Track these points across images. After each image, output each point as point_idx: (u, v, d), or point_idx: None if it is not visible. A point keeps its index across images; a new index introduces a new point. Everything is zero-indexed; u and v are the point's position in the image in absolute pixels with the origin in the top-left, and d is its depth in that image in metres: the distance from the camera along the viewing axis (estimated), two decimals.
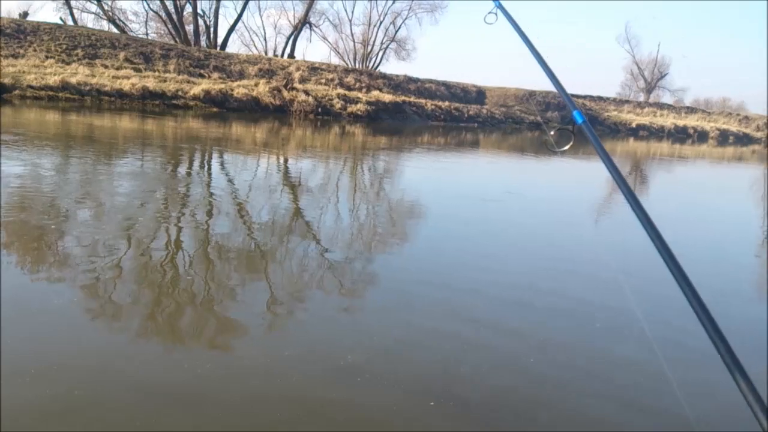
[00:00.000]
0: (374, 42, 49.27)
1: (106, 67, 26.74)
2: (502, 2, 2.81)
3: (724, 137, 49.98)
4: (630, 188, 1.60)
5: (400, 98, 35.45)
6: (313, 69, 35.64)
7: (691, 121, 52.14)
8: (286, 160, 14.50)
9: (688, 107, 60.05)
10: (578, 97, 48.83)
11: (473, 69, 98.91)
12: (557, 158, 18.07)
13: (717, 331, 1.21)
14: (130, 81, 25.21)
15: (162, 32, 42.86)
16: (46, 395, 3.14)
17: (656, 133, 47.01)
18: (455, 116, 37.33)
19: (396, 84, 38.66)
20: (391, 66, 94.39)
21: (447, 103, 38.25)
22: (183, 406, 3.21)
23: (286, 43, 45.75)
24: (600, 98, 52.80)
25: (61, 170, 9.74)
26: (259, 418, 3.15)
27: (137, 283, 4.93)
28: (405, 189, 11.63)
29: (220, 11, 43.08)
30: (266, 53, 45.80)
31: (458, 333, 4.54)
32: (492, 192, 12.08)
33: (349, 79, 35.59)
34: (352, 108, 31.18)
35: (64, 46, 27.45)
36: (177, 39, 39.19)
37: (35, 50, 26.32)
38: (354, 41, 49.99)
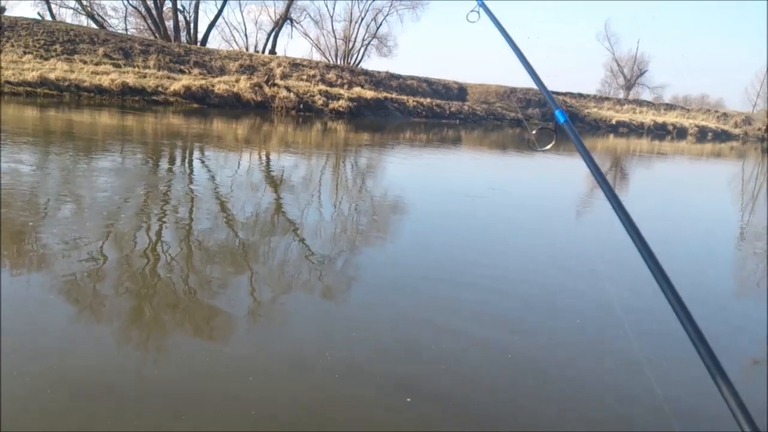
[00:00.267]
0: (356, 38, 49.20)
1: (85, 62, 26.47)
2: (484, 1, 2.83)
3: (702, 134, 50.52)
4: (610, 187, 1.62)
5: (382, 95, 35.45)
6: (295, 65, 35.52)
7: (671, 118, 52.66)
8: (268, 157, 14.45)
9: (667, 104, 60.61)
10: (559, 94, 49.08)
11: (455, 66, 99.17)
12: (539, 155, 18.18)
13: (700, 336, 1.19)
14: (109, 77, 24.98)
15: (141, 28, 42.43)
16: (36, 391, 3.12)
17: (636, 130, 47.42)
18: (437, 113, 37.40)
19: (378, 80, 38.65)
20: (373, 62, 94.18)
21: (429, 100, 38.30)
22: (164, 404, 3.21)
23: (267, 39, 45.53)
24: (581, 95, 53.16)
25: (42, 166, 9.64)
26: (238, 416, 3.16)
27: (119, 281, 4.90)
28: (389, 185, 11.65)
29: (201, 7, 42.75)
30: (247, 49, 45.52)
31: (448, 328, 4.57)
32: (476, 188, 12.14)
33: (331, 76, 35.53)
34: (333, 104, 31.14)
35: (42, 42, 27.13)
36: (157, 34, 38.84)
37: (13, 46, 26.00)
38: (335, 37, 49.88)
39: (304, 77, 33.98)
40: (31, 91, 22.12)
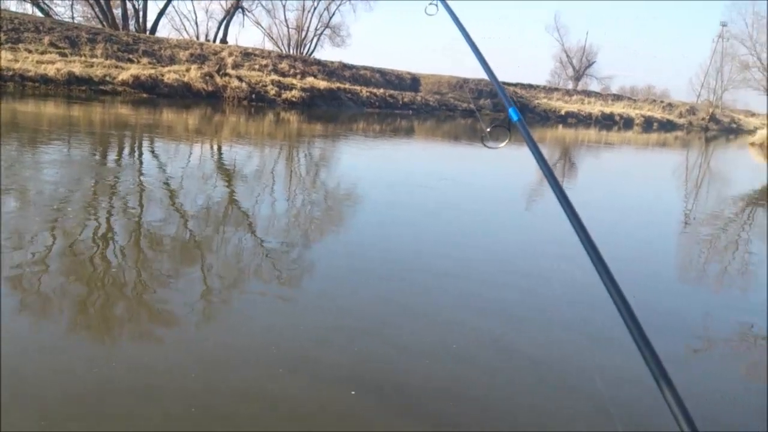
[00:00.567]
0: (308, 28, 48.79)
1: (29, 51, 25.68)
2: None
3: (648, 124, 51.87)
4: (560, 186, 1.60)
5: (335, 85, 35.38)
6: (247, 55, 35.13)
7: (618, 109, 53.88)
8: (220, 148, 14.34)
9: (614, 95, 61.96)
10: (510, 84, 49.71)
11: (408, 56, 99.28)
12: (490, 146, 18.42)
13: (643, 337, 1.17)
14: (55, 66, 24.32)
15: (89, 16, 41.30)
16: None
17: (584, 120, 48.37)
18: (390, 103, 37.51)
19: (331, 71, 38.54)
20: (326, 52, 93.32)
21: (382, 90, 38.38)
22: (115, 400, 3.24)
23: (218, 28, 44.85)
24: (530, 86, 53.93)
25: None
26: (177, 407, 3.21)
27: (66, 275, 4.87)
28: (343, 176, 11.71)
29: None
30: (198, 38, 44.77)
31: (399, 318, 4.68)
32: (429, 179, 12.28)
33: (284, 66, 35.28)
34: (286, 94, 30.96)
35: None
36: (104, 23, 37.91)
37: None
38: (288, 27, 49.36)
39: (256, 67, 33.66)
40: None
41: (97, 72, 25.59)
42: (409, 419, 3.30)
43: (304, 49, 48.46)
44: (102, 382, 3.31)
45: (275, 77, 32.48)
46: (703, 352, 4.85)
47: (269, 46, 47.65)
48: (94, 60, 27.04)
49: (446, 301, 5.17)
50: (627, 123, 50.59)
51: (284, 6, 49.19)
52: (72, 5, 41.39)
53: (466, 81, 44.32)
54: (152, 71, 27.44)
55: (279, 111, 27.50)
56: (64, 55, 26.57)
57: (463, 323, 4.70)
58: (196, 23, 51.09)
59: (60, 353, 3.61)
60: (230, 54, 33.66)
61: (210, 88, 28.38)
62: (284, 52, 44.99)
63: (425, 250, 6.80)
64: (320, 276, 5.63)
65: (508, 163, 16.14)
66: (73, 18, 40.17)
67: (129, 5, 40.69)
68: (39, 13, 36.17)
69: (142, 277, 4.97)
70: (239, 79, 29.91)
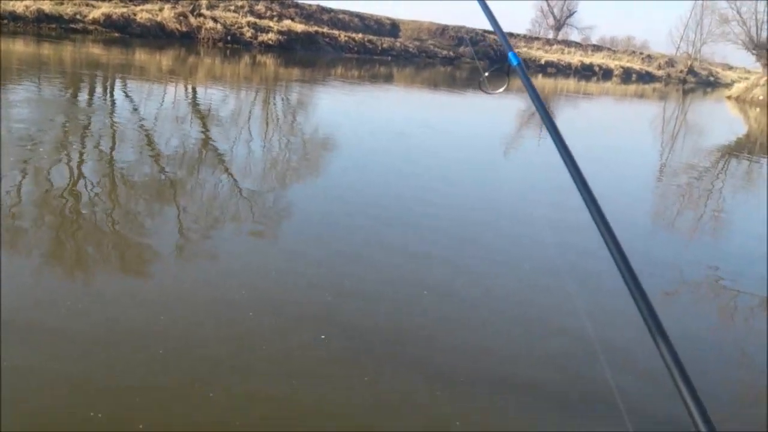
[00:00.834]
0: None
1: None
2: None
3: (627, 75, 51.80)
4: (559, 132, 1.60)
5: (313, 29, 34.66)
6: None
7: (597, 59, 53.63)
8: (194, 90, 14.05)
9: (594, 45, 61.60)
10: (490, 33, 49.12)
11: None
12: (470, 94, 18.31)
13: (639, 288, 1.22)
14: (23, 3, 23.44)
15: None
16: None
17: (563, 70, 48.14)
18: (369, 49, 36.91)
19: (308, 14, 37.71)
20: None
21: (361, 35, 37.69)
22: (84, 339, 3.21)
23: None
24: (511, 35, 53.35)
25: None
26: (152, 349, 3.19)
27: (38, 215, 4.78)
28: (321, 122, 11.56)
29: None
30: None
31: (376, 263, 4.68)
32: (410, 126, 12.18)
33: (260, 7, 34.41)
34: (263, 37, 30.28)
35: None
36: None
37: None
38: None
39: (232, 8, 32.77)
40: None
41: (68, 10, 24.76)
42: (393, 364, 3.32)
43: None
44: (73, 322, 3.28)
45: (251, 19, 31.69)
46: (675, 295, 4.94)
47: None
48: None
49: (427, 241, 5.18)
50: (606, 74, 50.48)
51: None
52: None
53: (446, 28, 43.69)
54: (124, 10, 26.61)
55: (255, 54, 26.96)
56: None
57: (445, 261, 4.71)
58: None
59: (32, 292, 3.56)
60: None
61: (184, 29, 27.66)
62: None
63: (407, 194, 6.78)
64: (298, 220, 5.59)
65: (488, 113, 16.06)
66: None
67: None
68: None
69: (116, 219, 4.89)
70: (214, 20, 29.15)
